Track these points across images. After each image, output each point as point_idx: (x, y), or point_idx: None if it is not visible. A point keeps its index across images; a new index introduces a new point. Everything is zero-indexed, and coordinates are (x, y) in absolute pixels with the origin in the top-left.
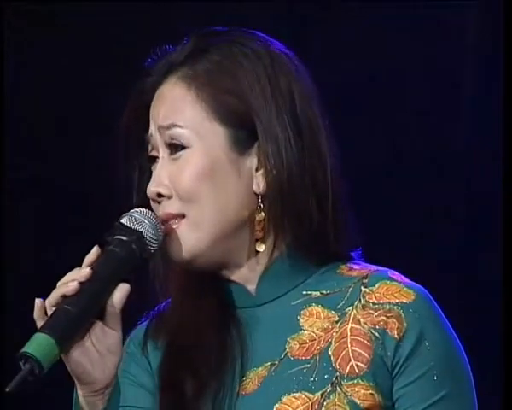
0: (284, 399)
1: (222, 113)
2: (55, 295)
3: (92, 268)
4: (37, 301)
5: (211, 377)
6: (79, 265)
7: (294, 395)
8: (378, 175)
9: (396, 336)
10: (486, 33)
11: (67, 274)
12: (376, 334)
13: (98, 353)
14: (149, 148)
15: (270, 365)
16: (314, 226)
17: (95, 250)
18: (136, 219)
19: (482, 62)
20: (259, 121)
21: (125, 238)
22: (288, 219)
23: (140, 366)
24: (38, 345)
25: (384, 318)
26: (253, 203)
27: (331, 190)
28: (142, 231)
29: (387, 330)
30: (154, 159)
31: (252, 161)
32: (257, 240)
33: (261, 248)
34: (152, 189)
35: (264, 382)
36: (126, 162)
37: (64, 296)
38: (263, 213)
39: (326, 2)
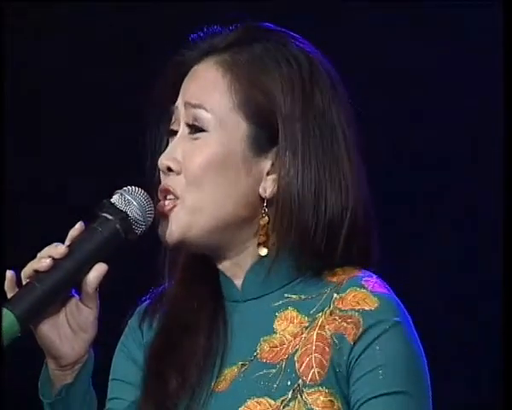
0: (249, 402)
1: (249, 108)
2: (29, 268)
3: (70, 246)
4: (8, 273)
5: (193, 368)
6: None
7: (258, 399)
8: (378, 175)
9: (351, 341)
10: (486, 33)
11: (45, 249)
12: (335, 340)
13: (70, 328)
14: (172, 119)
15: (242, 365)
16: (317, 240)
17: (78, 226)
18: (125, 198)
19: (482, 62)
20: (283, 127)
21: (110, 217)
22: (291, 230)
23: (135, 341)
24: None
25: (344, 324)
26: (256, 205)
27: (345, 210)
28: (127, 213)
29: (345, 336)
30: (175, 132)
31: (266, 163)
32: (259, 244)
33: (263, 252)
34: (163, 161)
35: (234, 382)
36: (152, 130)
37: (37, 271)
38: (267, 218)
39: (326, 2)
